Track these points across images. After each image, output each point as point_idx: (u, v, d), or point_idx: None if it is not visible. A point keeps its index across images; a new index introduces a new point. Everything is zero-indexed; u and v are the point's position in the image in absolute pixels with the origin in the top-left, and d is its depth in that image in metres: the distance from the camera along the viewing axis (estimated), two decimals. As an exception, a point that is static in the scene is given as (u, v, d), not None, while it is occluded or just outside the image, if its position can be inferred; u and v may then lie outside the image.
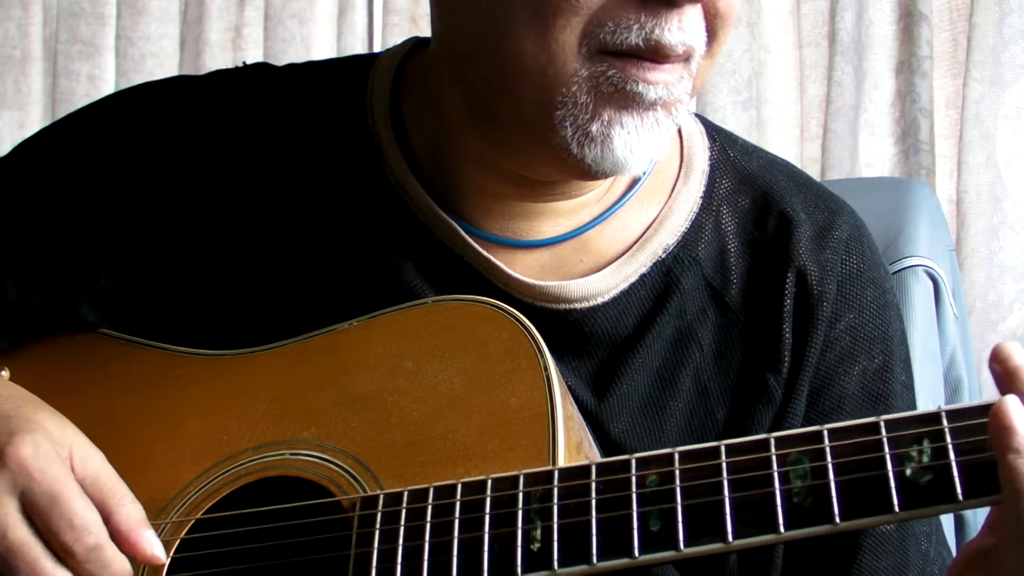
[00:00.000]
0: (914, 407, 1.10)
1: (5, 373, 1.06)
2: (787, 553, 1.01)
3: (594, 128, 0.93)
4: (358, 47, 2.58)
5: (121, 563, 0.89)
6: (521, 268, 1.03)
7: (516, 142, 0.99)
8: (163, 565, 0.93)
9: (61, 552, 0.87)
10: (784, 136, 2.38)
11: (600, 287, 1.03)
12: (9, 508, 0.87)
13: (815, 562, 1.01)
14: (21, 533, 0.87)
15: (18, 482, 0.88)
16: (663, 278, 1.05)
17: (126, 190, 1.09)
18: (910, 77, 2.26)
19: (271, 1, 2.62)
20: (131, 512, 0.91)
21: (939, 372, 1.67)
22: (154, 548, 0.90)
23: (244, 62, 1.18)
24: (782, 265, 1.05)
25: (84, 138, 1.13)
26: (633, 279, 1.04)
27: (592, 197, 1.06)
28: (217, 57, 2.61)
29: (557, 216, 1.05)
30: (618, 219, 1.06)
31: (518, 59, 0.93)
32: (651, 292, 1.04)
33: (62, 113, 1.20)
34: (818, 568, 1.01)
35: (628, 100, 0.93)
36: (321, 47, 2.59)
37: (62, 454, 0.91)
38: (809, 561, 1.01)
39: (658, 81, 0.92)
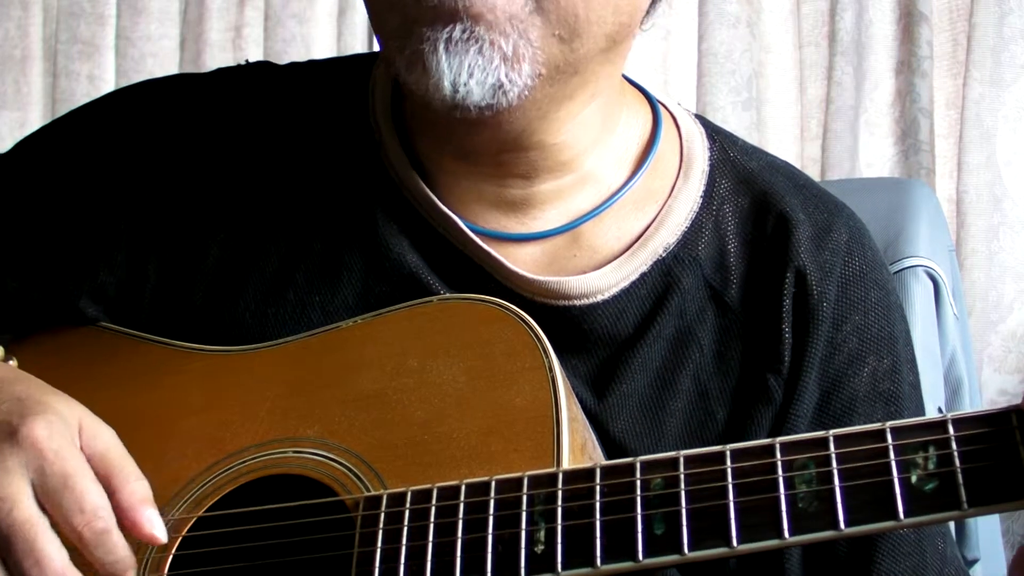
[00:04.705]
0: (922, 407, 1.10)
1: (13, 362, 1.06)
2: (804, 557, 1.01)
3: (408, 49, 0.93)
4: (358, 47, 2.58)
5: (126, 549, 0.88)
6: (515, 263, 1.03)
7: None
8: (167, 553, 0.93)
9: (70, 535, 0.87)
10: (784, 136, 2.38)
11: (600, 284, 1.03)
12: (21, 485, 0.87)
13: (833, 565, 1.01)
14: (29, 511, 0.86)
15: (31, 462, 0.87)
16: (663, 277, 1.04)
17: (127, 184, 1.09)
18: (910, 77, 2.26)
19: (271, 1, 2.62)
20: (135, 490, 0.90)
21: (939, 372, 1.67)
22: (154, 527, 0.89)
23: (246, 60, 1.18)
24: (781, 265, 1.05)
25: (85, 132, 1.14)
26: (634, 277, 1.04)
27: (565, 185, 1.05)
28: (217, 57, 2.61)
29: (540, 207, 1.05)
30: (614, 217, 1.06)
31: None
32: (651, 291, 1.04)
33: (62, 113, 1.21)
34: (836, 572, 1.01)
35: (430, 13, 0.91)
36: (321, 47, 2.59)
37: (73, 433, 0.91)
38: (827, 564, 1.01)
39: None
